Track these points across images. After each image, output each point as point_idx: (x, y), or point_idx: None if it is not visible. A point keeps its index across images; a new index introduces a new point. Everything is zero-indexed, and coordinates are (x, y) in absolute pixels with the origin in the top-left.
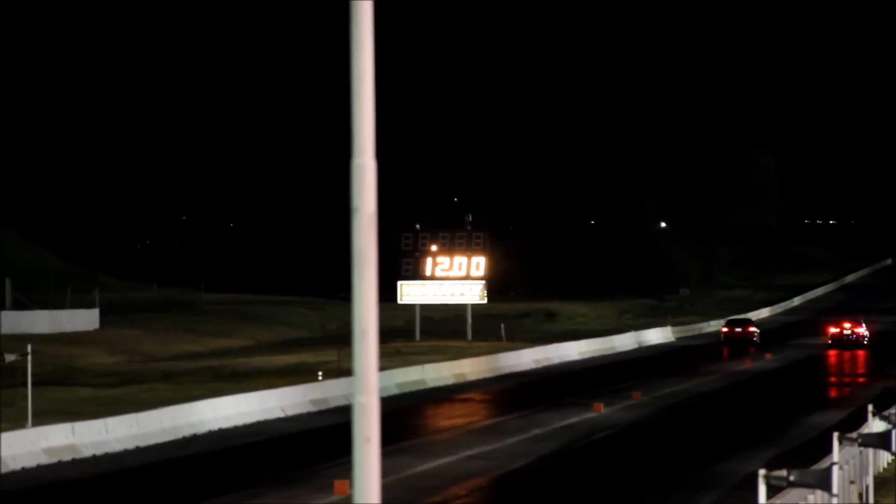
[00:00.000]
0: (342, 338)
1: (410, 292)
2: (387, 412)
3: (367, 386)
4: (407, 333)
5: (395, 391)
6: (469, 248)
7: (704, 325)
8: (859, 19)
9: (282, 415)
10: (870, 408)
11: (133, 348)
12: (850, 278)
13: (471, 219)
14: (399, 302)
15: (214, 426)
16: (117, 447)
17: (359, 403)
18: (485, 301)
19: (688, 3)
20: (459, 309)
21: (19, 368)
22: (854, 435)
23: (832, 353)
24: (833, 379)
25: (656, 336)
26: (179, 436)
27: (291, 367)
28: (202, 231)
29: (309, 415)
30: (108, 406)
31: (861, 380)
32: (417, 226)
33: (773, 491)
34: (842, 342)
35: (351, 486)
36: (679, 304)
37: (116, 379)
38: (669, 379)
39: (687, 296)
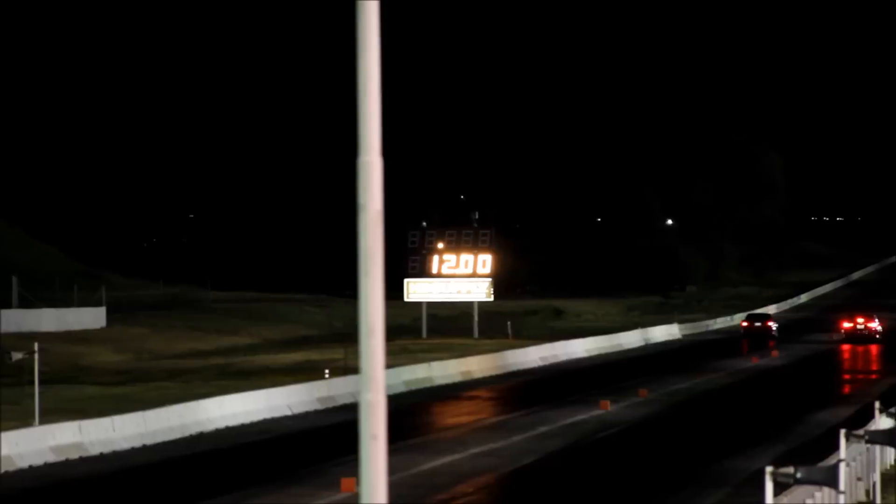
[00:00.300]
0: (349, 335)
1: (417, 290)
2: (393, 410)
3: (374, 383)
4: (414, 331)
5: (401, 389)
6: (476, 245)
7: (711, 322)
8: (865, 17)
9: (288, 413)
10: (877, 405)
11: (140, 346)
12: (856, 275)
13: (477, 216)
14: (406, 300)
15: (221, 424)
16: (124, 445)
17: (366, 401)
18: (491, 299)
19: (696, 3)
20: (466, 306)
21: (26, 367)
22: (861, 432)
23: (840, 349)
24: (840, 376)
25: (663, 333)
26: (186, 434)
27: (298, 364)
28: (209, 229)
29: (316, 413)
30: (114, 404)
31: (869, 376)
32: (424, 223)
33: (780, 488)
34: (855, 336)
35: (358, 483)
36: (686, 301)
37: (123, 377)
38: (676, 376)
39: (694, 293)
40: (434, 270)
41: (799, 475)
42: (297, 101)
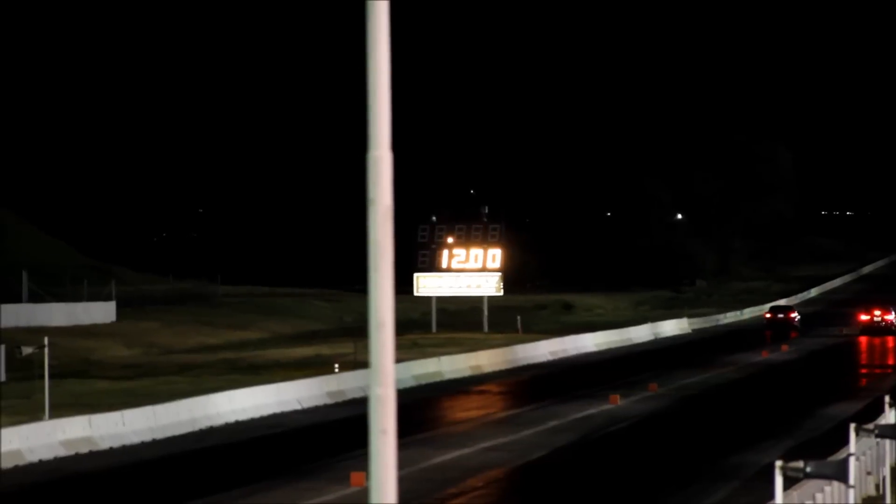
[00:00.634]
0: (358, 330)
1: (427, 284)
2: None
3: (384, 378)
4: (423, 325)
5: (411, 383)
6: (485, 240)
7: (721, 316)
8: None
9: (298, 407)
10: (887, 399)
11: (150, 341)
12: (866, 269)
13: (487, 211)
14: (415, 294)
15: (231, 418)
16: (134, 439)
17: (375, 395)
18: (501, 293)
19: None
20: (476, 301)
21: (36, 361)
22: (871, 426)
23: (849, 343)
24: (850, 369)
25: (672, 328)
26: (196, 428)
27: (308, 359)
28: (219, 223)
29: (325, 407)
30: (124, 398)
31: (878, 370)
32: (434, 218)
33: (789, 482)
34: (872, 329)
35: (367, 477)
36: (695, 295)
37: (133, 371)
38: (686, 370)
39: (703, 287)
40: (444, 265)
41: (808, 469)
42: (307, 96)
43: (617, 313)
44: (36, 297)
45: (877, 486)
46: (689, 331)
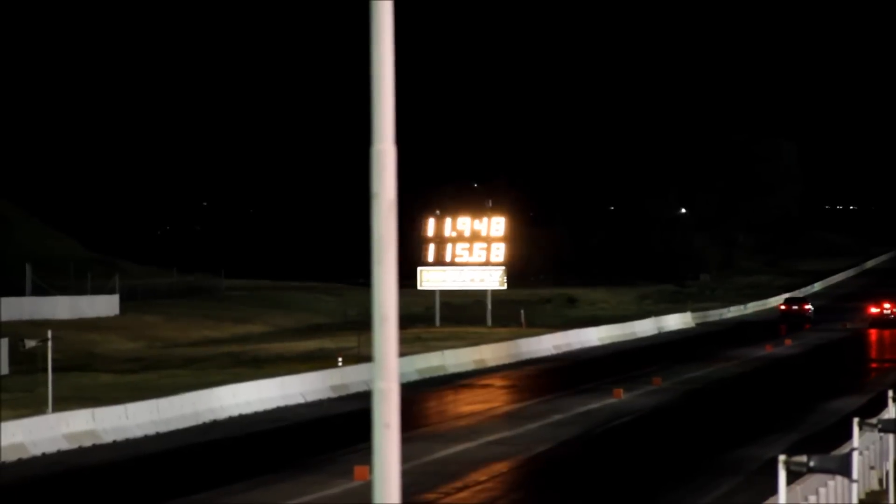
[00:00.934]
0: (362, 324)
1: (430, 278)
2: (407, 398)
3: (387, 372)
4: (427, 319)
5: (415, 377)
6: (489, 234)
7: (724, 310)
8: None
9: (302, 401)
10: (890, 393)
11: (153, 334)
12: (870, 264)
13: (491, 205)
14: (419, 288)
15: (235, 412)
16: (138, 433)
17: (379, 389)
18: (505, 287)
19: None
20: (479, 295)
21: (40, 354)
22: (874, 420)
23: (853, 337)
24: (854, 364)
25: (676, 322)
26: (200, 422)
27: (311, 353)
28: (223, 217)
29: (329, 401)
30: (128, 392)
31: (882, 365)
32: (437, 211)
33: (793, 476)
34: (881, 321)
35: (371, 471)
36: (699, 290)
37: (137, 365)
38: (689, 364)
39: (707, 282)
40: (447, 259)
41: (812, 464)
42: (311, 89)
43: (621, 307)
44: (40, 291)
45: (880, 481)
46: (693, 325)
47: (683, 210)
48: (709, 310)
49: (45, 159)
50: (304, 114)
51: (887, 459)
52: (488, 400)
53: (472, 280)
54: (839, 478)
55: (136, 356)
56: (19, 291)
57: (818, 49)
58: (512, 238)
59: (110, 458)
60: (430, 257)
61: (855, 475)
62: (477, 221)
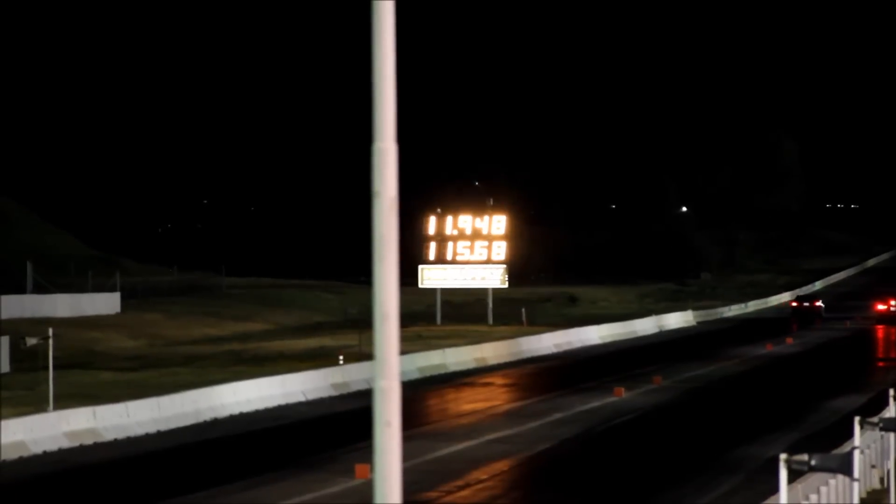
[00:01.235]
0: (363, 322)
1: (431, 276)
2: (408, 396)
3: (388, 370)
4: (428, 317)
5: (416, 375)
6: (490, 232)
7: (725, 309)
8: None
9: (303, 399)
10: (891, 392)
11: (154, 332)
12: (871, 262)
13: (492, 203)
14: (420, 286)
15: (235, 410)
16: (138, 431)
17: (380, 387)
18: (506, 285)
19: None
20: (480, 293)
21: (40, 352)
22: (875, 419)
23: (854, 336)
24: (855, 363)
25: (677, 320)
26: (201, 420)
27: (313, 351)
28: (223, 215)
29: (330, 399)
30: (129, 390)
31: (883, 364)
32: (439, 209)
33: (794, 475)
34: (888, 318)
35: (372, 470)
36: (700, 288)
37: (138, 363)
38: (690, 363)
39: (708, 280)
40: (448, 257)
41: (813, 462)
42: (312, 88)
43: (622, 306)
44: (41, 288)
45: (881, 480)
46: (694, 323)
47: (684, 209)
48: (710, 308)
49: (47, 157)
50: (305, 112)
51: (888, 458)
52: (489, 398)
53: (473, 278)
54: (840, 477)
55: (136, 354)
56: (20, 289)
57: (820, 47)
58: (513, 236)
59: (111, 456)
60: (432, 255)
61: (856, 474)
62: (478, 220)
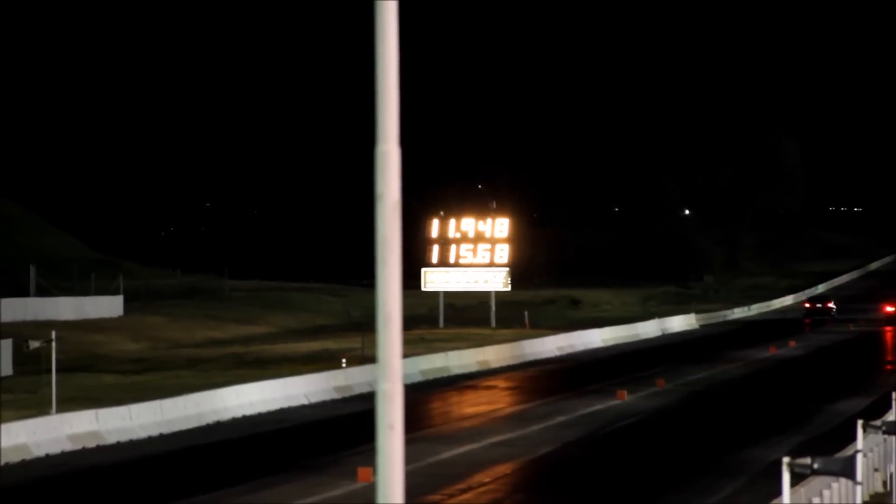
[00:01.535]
0: (366, 325)
1: (434, 279)
2: (410, 399)
3: (391, 373)
4: (431, 321)
5: (418, 378)
6: (493, 235)
7: (728, 312)
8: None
9: (305, 402)
10: (894, 395)
11: (157, 335)
12: (874, 265)
13: (495, 206)
14: (423, 289)
15: (238, 413)
16: (141, 434)
17: (382, 390)
18: (508, 288)
19: None
20: (483, 296)
21: (43, 355)
22: (878, 422)
23: (857, 339)
24: (858, 366)
25: (680, 323)
26: (203, 423)
27: (315, 353)
28: (226, 218)
29: (332, 402)
30: (132, 393)
31: (891, 367)
32: (442, 212)
33: (796, 478)
34: None
35: (374, 473)
36: (703, 291)
37: (140, 366)
38: (693, 366)
39: (711, 283)
40: (451, 260)
41: (816, 466)
42: (315, 90)
43: (624, 309)
44: (43, 291)
45: (884, 483)
46: (697, 326)
47: (687, 211)
48: (712, 311)
49: (50, 160)
50: (309, 115)
51: (891, 461)
52: (492, 401)
53: (475, 281)
54: (843, 480)
55: (139, 357)
56: (23, 292)
57: (821, 48)
58: (516, 239)
59: (114, 460)
60: (434, 258)
61: (859, 477)
62: (481, 222)
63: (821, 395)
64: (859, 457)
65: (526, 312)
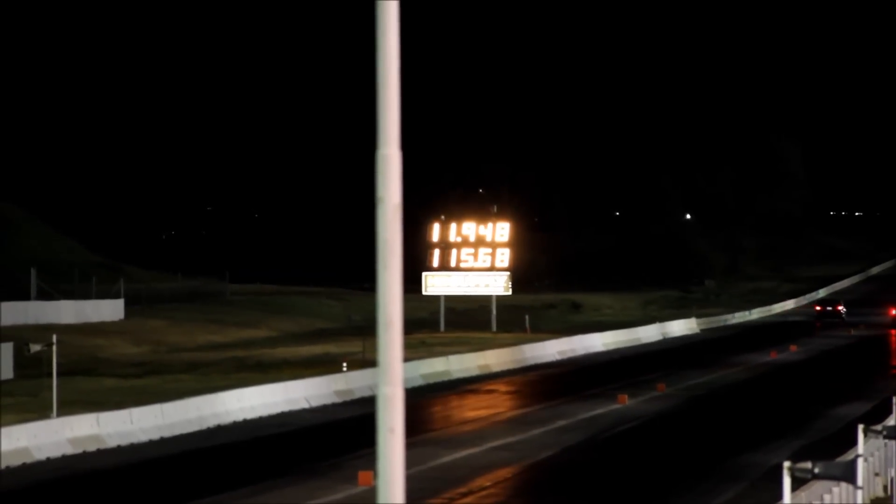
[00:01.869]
0: (367, 328)
1: (435, 283)
2: (411, 403)
3: (392, 377)
4: (431, 324)
5: (419, 382)
6: (494, 239)
7: (729, 316)
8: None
9: (306, 405)
10: (894, 400)
11: (158, 339)
12: (875, 270)
13: (495, 210)
14: (424, 293)
15: (239, 417)
16: (142, 438)
17: (383, 394)
18: (509, 292)
19: None
20: (484, 300)
21: (44, 358)
22: (879, 427)
23: (858, 344)
24: (859, 371)
25: (681, 328)
26: (204, 426)
27: (316, 357)
28: (227, 221)
29: (333, 405)
30: (133, 396)
31: (892, 371)
32: (442, 216)
33: (797, 483)
34: None
35: (375, 476)
36: (704, 295)
37: (141, 369)
38: (694, 370)
39: (712, 287)
40: (452, 264)
41: (816, 470)
42: (316, 94)
43: (625, 313)
44: (45, 295)
45: (885, 488)
46: (698, 331)
47: (688, 216)
48: (713, 315)
49: (51, 163)
50: (310, 118)
51: (892, 466)
52: (493, 405)
53: (476, 285)
54: (844, 484)
55: (140, 361)
56: (24, 295)
57: (822, 52)
58: (516, 243)
59: (115, 463)
60: (435, 262)
61: (860, 482)
62: (482, 227)
63: (822, 400)
64: (860, 461)
65: (527, 316)
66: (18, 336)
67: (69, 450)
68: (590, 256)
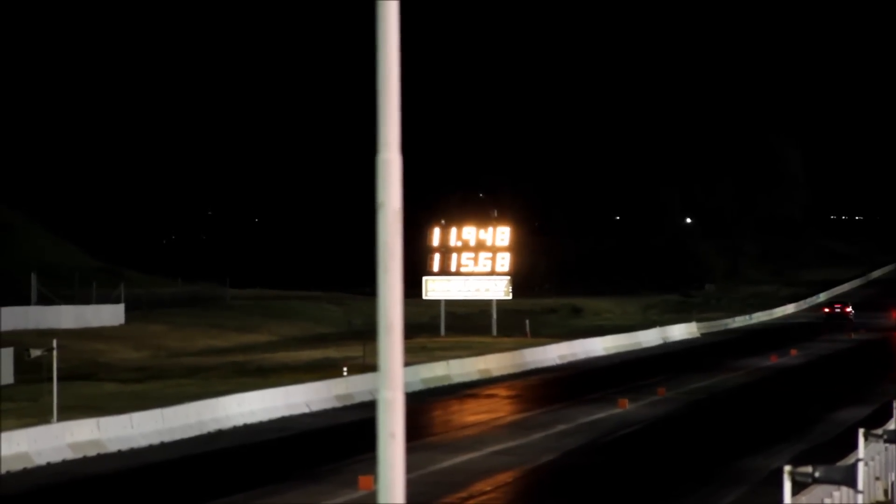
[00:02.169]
0: (367, 333)
1: (435, 288)
2: (412, 408)
3: (392, 381)
4: (432, 329)
5: (420, 387)
6: (494, 243)
7: (730, 320)
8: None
9: (307, 410)
10: (895, 403)
11: (158, 343)
12: (875, 274)
13: (496, 214)
14: (424, 297)
15: (239, 421)
16: (142, 442)
17: (383, 399)
18: (510, 297)
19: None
20: (484, 304)
21: (45, 363)
22: (880, 431)
23: (859, 348)
24: (859, 375)
25: (681, 332)
26: (204, 431)
27: (316, 362)
28: (228, 226)
29: (334, 410)
30: (133, 401)
31: (889, 375)
32: (443, 221)
33: (798, 487)
34: None
35: (375, 481)
36: (704, 299)
37: (142, 374)
38: (694, 375)
39: (712, 291)
40: (452, 268)
41: (817, 474)
42: (316, 98)
43: (626, 317)
44: (45, 300)
45: (885, 492)
46: (698, 335)
47: (688, 220)
48: (714, 320)
49: (51, 168)
50: (310, 123)
51: (893, 470)
52: (493, 410)
53: (477, 290)
54: (844, 488)
55: (140, 365)
56: (24, 300)
57: (823, 59)
58: (517, 248)
59: (115, 468)
60: (436, 267)
61: (860, 486)
62: (482, 231)
63: (822, 404)
64: (860, 465)
65: (527, 321)
66: (19, 341)
67: (69, 455)
68: (590, 261)
